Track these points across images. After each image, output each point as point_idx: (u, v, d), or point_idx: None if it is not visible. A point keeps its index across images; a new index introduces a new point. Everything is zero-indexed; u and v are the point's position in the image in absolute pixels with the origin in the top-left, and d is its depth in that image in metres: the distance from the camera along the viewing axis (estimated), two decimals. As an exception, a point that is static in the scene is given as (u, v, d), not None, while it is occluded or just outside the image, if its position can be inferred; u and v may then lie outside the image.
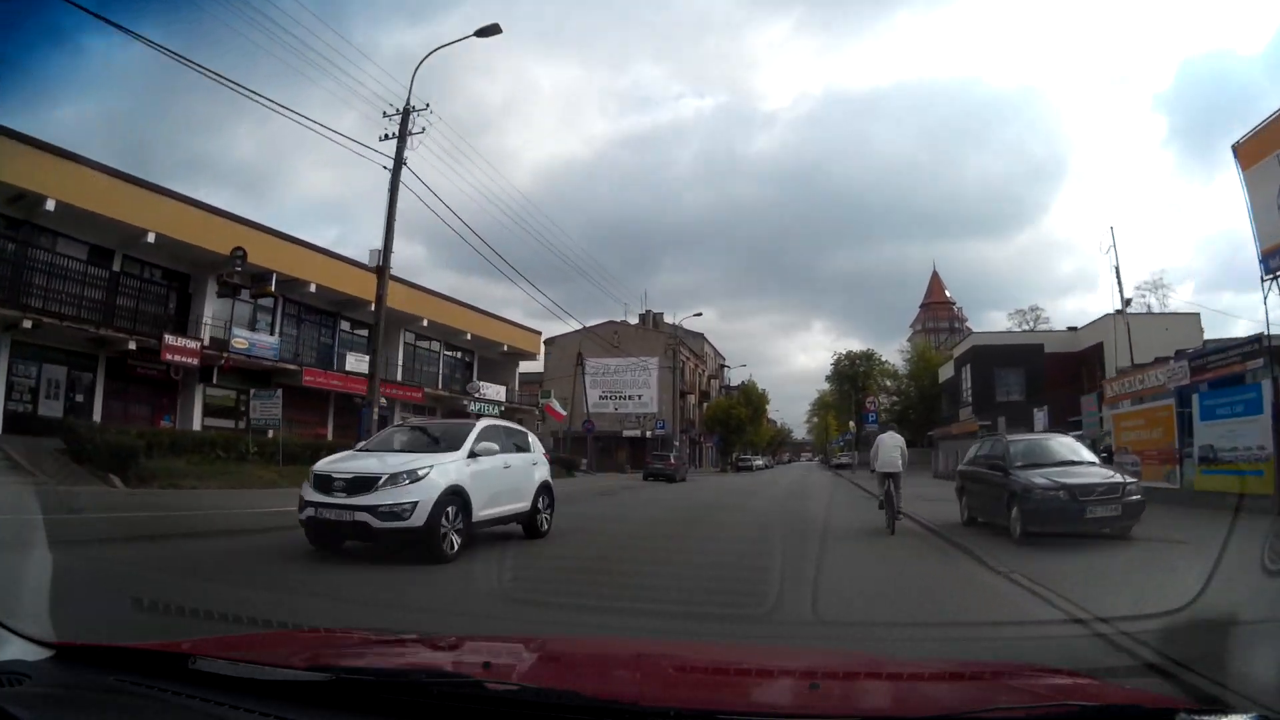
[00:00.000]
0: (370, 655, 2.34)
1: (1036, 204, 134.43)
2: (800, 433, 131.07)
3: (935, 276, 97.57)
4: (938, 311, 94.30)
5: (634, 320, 57.94)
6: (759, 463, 70.04)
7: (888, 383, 69.10)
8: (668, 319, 58.77)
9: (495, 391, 37.79)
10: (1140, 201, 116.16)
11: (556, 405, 41.13)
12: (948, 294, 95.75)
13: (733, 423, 61.72)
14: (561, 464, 35.51)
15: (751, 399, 68.69)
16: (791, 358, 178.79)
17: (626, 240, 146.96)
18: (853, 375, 69.20)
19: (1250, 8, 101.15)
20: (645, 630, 4.53)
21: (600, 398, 56.08)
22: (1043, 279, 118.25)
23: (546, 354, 52.11)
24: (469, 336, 35.99)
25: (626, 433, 54.17)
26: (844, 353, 72.88)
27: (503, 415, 36.23)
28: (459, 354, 37.82)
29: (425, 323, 32.26)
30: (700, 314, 55.75)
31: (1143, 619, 4.68)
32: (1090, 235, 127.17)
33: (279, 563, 7.78)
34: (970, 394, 43.93)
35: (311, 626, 3.18)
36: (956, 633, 5.21)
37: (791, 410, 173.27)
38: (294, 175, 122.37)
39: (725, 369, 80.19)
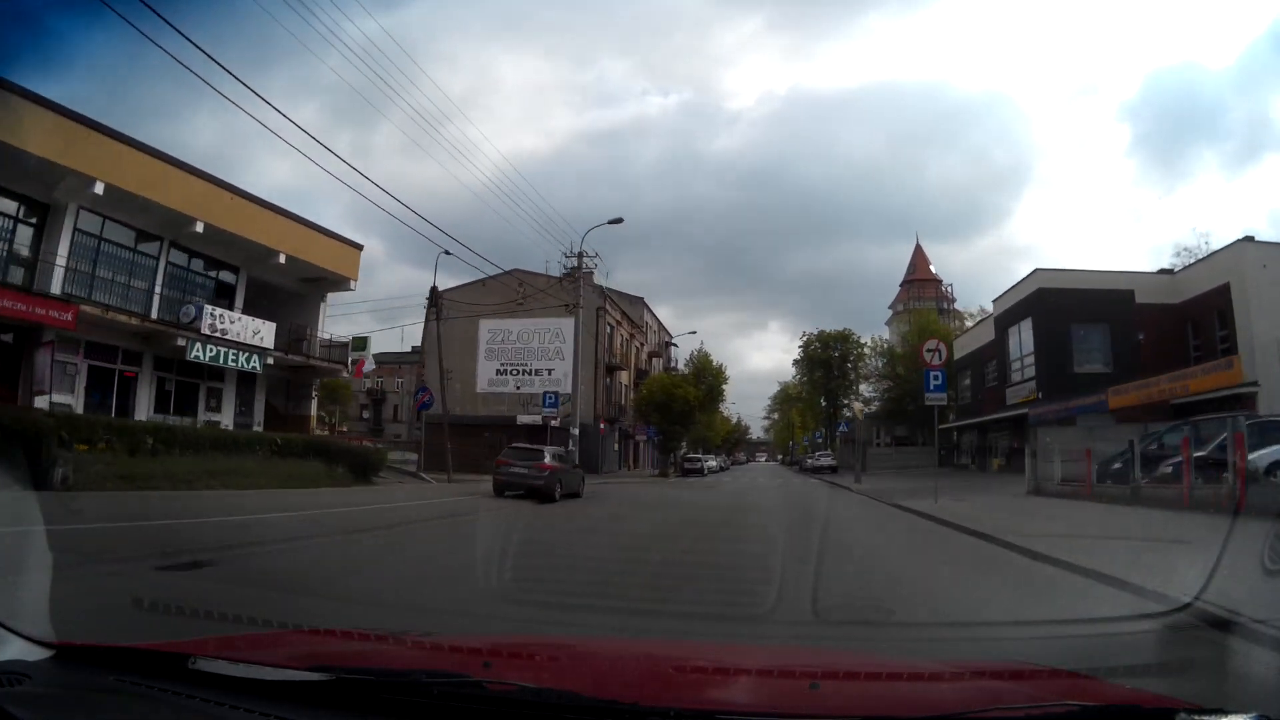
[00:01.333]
0: (370, 655, 2.34)
1: (999, 209, 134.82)
2: (756, 430, 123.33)
3: (919, 250, 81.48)
4: (923, 290, 76.63)
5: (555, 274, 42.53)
6: (712, 463, 56.01)
7: (876, 364, 57.18)
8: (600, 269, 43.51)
9: (250, 330, 22.46)
10: (1101, 210, 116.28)
11: (369, 362, 30.81)
12: (933, 270, 78.99)
13: (676, 408, 44.71)
14: (345, 463, 20.28)
15: (704, 376, 51.93)
16: (746, 357, 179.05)
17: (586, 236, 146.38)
18: (826, 360, 56.88)
19: (1219, 24, 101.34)
20: (646, 631, 4.54)
21: (498, 371, 43.22)
22: (1001, 285, 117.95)
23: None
24: (200, 228, 20.80)
25: (523, 419, 38.77)
26: (815, 333, 59.11)
27: (273, 368, 24.43)
28: (215, 271, 23.45)
29: (100, 188, 18.01)
30: (620, 220, 38.02)
31: (1146, 619, 4.68)
32: (1050, 242, 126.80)
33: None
34: (1033, 362, 31.00)
35: (311, 627, 3.17)
36: (955, 633, 5.21)
37: (745, 410, 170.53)
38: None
39: (671, 346, 63.98)
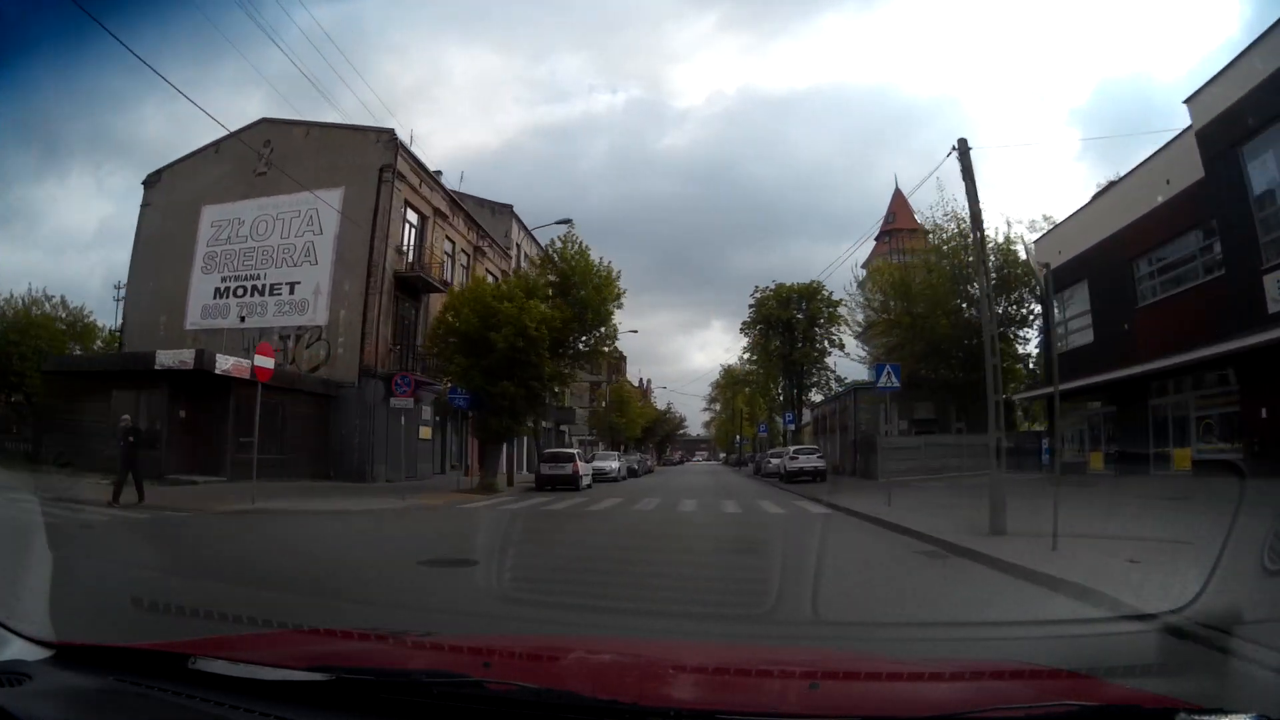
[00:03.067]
0: (370, 655, 2.34)
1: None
2: (695, 427, 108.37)
3: (898, 196, 61.40)
4: (907, 242, 54.36)
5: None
6: (611, 465, 33.34)
7: (873, 303, 39.03)
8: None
9: None
10: (1049, 213, 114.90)
11: None
12: (918, 220, 53.39)
13: (501, 346, 20.67)
14: None
15: (574, 277, 24.43)
16: (688, 355, 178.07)
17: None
18: (787, 322, 41.34)
19: (1171, 39, 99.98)
20: (646, 630, 4.54)
21: (218, 292, 25.96)
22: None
23: (145, 204, 27.40)
24: None
25: (167, 359, 19.76)
26: (770, 287, 41.64)
27: None
28: None
29: None
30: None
31: (1145, 619, 4.68)
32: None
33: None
34: None
35: (311, 627, 3.17)
36: (955, 633, 5.21)
37: (683, 409, 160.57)
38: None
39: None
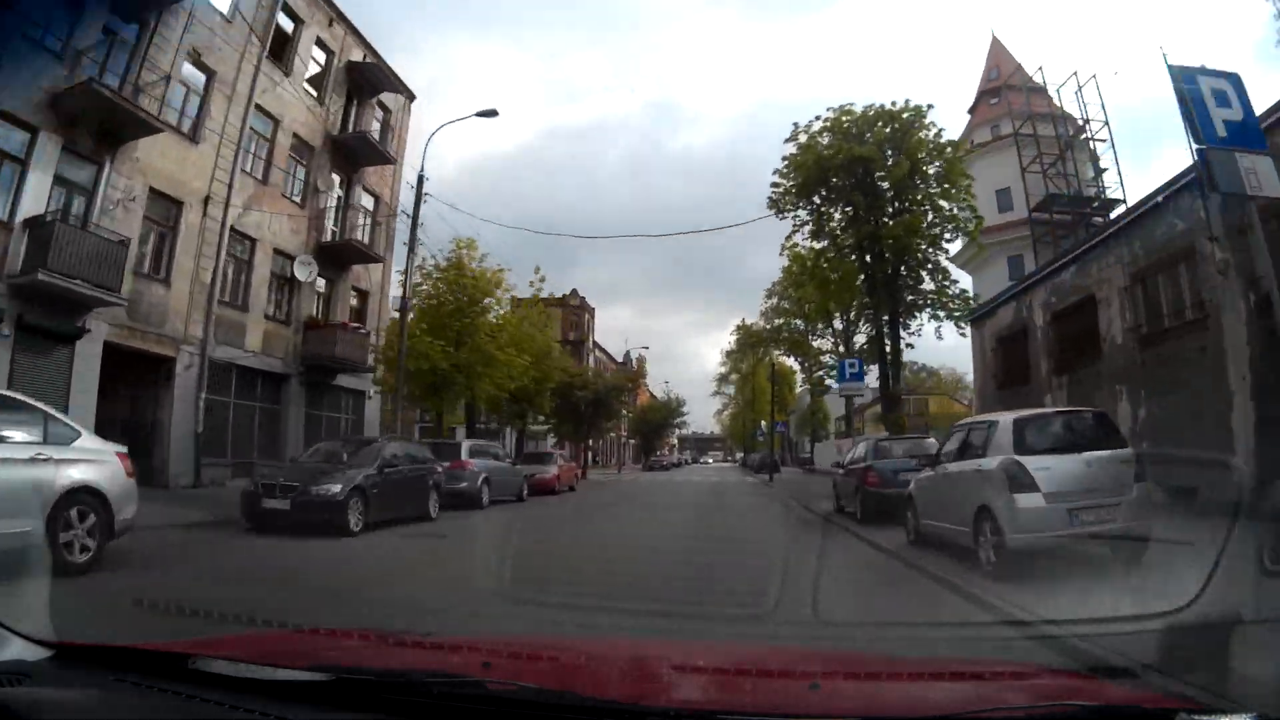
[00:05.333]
0: (370, 655, 2.34)
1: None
2: (702, 419, 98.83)
3: (996, 45, 40.49)
4: (1015, 100, 34.53)
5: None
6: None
7: None
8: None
9: None
10: None
11: None
12: (1032, 76, 33.73)
13: None
14: None
15: None
16: (704, 355, 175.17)
17: (548, 234, 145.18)
18: (865, 168, 20.53)
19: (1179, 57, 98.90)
20: (645, 629, 4.55)
21: None
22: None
23: None
24: None
25: None
26: (826, 117, 21.27)
27: None
28: None
29: None
30: None
31: (1145, 619, 4.67)
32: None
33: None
34: None
35: (312, 627, 3.18)
36: (955, 632, 5.22)
37: (699, 411, 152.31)
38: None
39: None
